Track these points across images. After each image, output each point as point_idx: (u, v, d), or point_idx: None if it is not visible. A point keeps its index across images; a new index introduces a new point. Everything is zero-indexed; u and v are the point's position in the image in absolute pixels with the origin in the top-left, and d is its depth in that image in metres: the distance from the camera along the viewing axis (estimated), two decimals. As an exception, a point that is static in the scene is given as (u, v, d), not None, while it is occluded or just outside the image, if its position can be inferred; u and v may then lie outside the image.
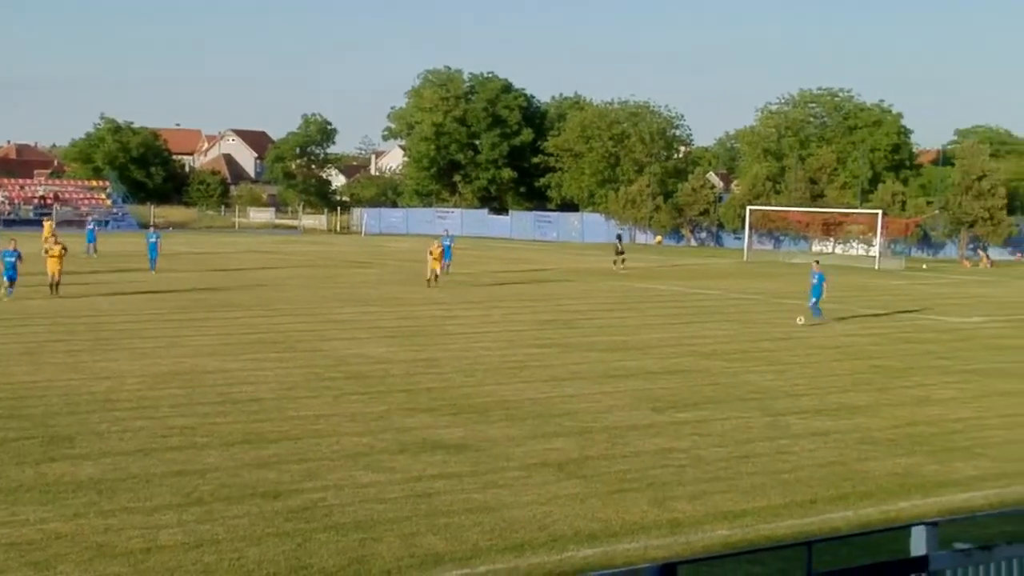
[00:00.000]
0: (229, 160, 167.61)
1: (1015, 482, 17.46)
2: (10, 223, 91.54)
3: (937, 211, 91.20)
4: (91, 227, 68.12)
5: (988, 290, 58.19)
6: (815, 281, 38.09)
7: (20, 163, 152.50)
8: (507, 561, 13.08)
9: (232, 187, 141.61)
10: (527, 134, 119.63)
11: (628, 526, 14.51)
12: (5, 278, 39.15)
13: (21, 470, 16.39)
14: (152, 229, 59.42)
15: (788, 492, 16.35)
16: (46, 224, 68.97)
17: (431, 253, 49.70)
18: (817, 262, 40.54)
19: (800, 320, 36.32)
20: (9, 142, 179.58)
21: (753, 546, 13.57)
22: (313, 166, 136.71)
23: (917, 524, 9.12)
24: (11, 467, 16.52)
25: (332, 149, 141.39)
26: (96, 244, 64.52)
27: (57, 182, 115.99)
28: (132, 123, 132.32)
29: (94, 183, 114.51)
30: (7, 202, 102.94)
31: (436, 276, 49.08)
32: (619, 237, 71.01)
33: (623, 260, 63.80)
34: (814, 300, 37.91)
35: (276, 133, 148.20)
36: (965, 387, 26.24)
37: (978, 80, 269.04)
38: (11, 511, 14.40)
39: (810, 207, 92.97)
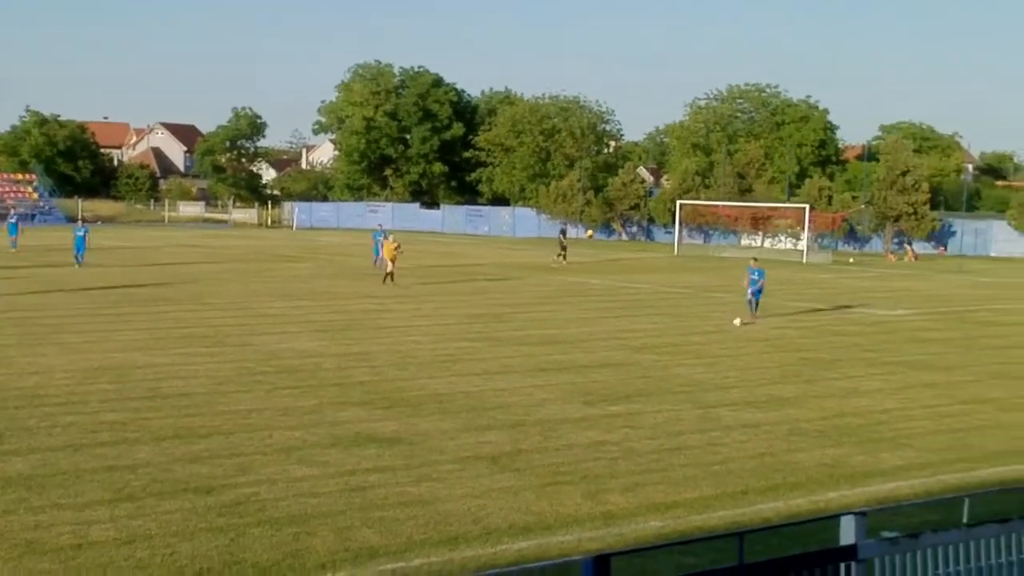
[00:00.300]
0: (158, 153, 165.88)
1: (939, 471, 17.75)
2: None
3: (863, 206, 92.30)
4: (13, 220, 66.77)
5: (912, 283, 58.96)
6: (756, 278, 37.49)
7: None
8: (441, 554, 13.11)
9: (161, 181, 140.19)
10: (458, 128, 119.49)
11: (562, 519, 14.58)
12: None
13: (-52, 467, 16.21)
14: (80, 223, 58.75)
15: (719, 483, 16.52)
16: None
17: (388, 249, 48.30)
18: (755, 260, 39.93)
19: (737, 321, 35.92)
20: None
21: (685, 537, 13.69)
22: (243, 160, 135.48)
23: (846, 514, 9.25)
24: (-62, 464, 16.33)
25: (262, 143, 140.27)
26: (18, 238, 63.22)
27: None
28: (59, 116, 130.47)
29: (20, 177, 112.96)
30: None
31: (391, 274, 47.32)
32: (563, 232, 71.42)
33: (564, 256, 64.00)
34: (758, 297, 37.60)
35: (205, 126, 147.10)
36: (890, 379, 26.61)
37: (902, 77, 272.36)
38: (-67, 511, 14.24)
39: (739, 201, 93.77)
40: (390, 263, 47.46)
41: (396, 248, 47.90)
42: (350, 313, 36.79)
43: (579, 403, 22.29)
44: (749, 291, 37.60)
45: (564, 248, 64.67)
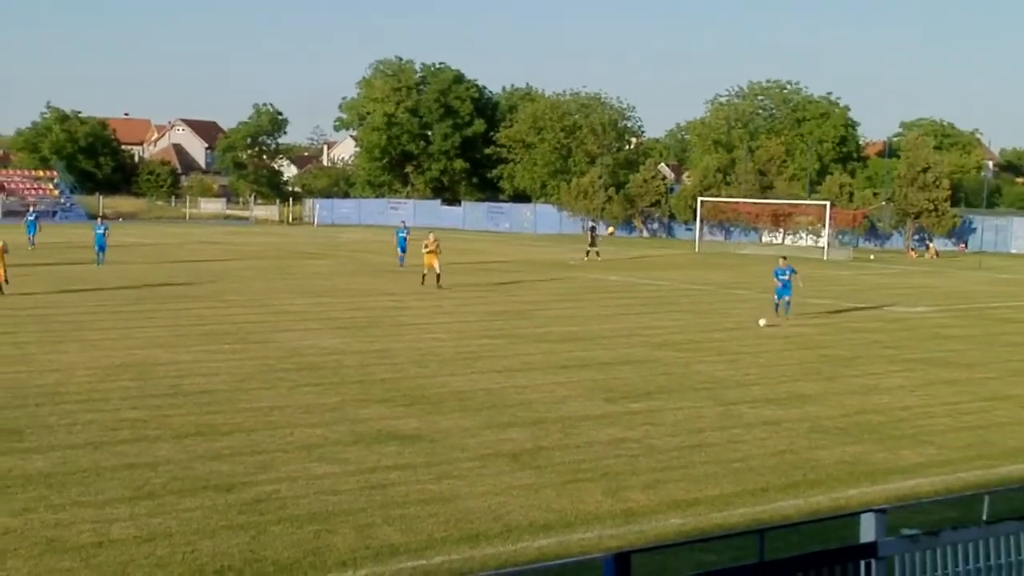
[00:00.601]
0: (179, 150, 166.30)
1: (960, 469, 17.71)
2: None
3: (883, 203, 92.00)
4: (32, 218, 66.66)
5: (933, 280, 58.78)
6: (785, 277, 36.13)
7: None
8: (462, 552, 13.13)
9: (182, 177, 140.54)
10: (479, 125, 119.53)
11: (582, 516, 14.59)
12: None
13: (-31, 464, 16.28)
14: (100, 220, 58.77)
15: (740, 481, 16.50)
16: None
17: (425, 247, 44.68)
18: (784, 258, 38.14)
19: (762, 321, 34.74)
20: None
21: (706, 534, 13.70)
22: (264, 156, 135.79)
23: (866, 511, 9.25)
24: (-41, 461, 16.41)
25: (283, 140, 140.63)
26: (36, 236, 63.07)
27: (2, 172, 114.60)
28: (80, 112, 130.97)
29: (41, 174, 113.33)
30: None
31: (438, 276, 43.70)
32: (593, 228, 71.73)
33: (597, 252, 64.24)
34: (787, 297, 36.28)
35: (227, 123, 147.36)
36: (911, 376, 26.54)
37: (922, 74, 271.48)
38: (-41, 506, 14.31)
39: (759, 198, 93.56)
40: (436, 264, 43.83)
41: (435, 245, 44.35)
42: (371, 310, 36.84)
43: (600, 400, 22.29)
44: (777, 294, 36.44)
45: (594, 244, 64.92)
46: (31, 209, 77.56)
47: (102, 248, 52.22)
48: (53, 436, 18.08)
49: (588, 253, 64.31)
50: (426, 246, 44.52)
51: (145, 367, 24.67)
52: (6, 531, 13.37)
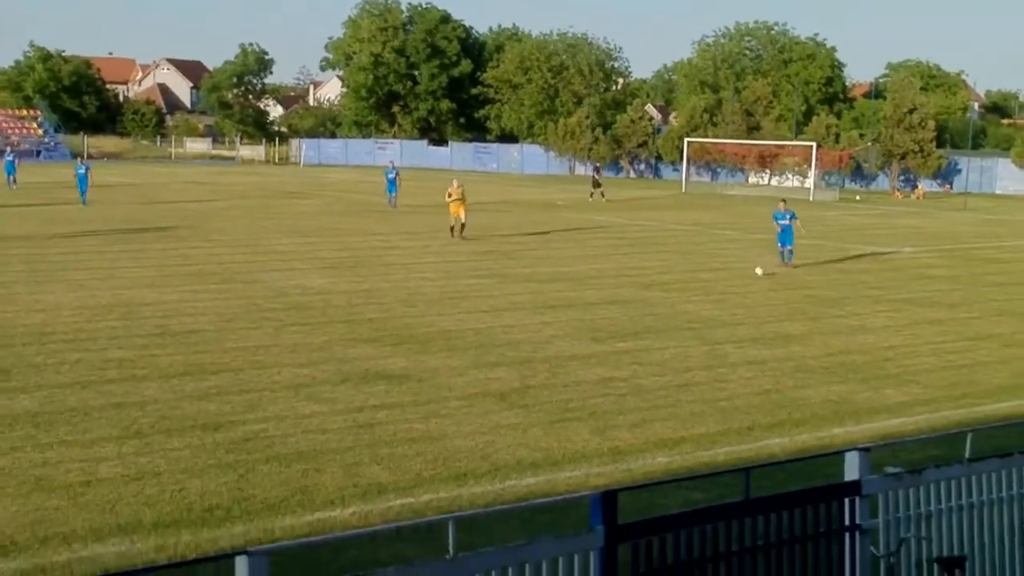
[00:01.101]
0: (164, 90, 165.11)
1: (943, 407, 17.84)
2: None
3: (869, 143, 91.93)
4: (11, 158, 65.85)
5: (918, 221, 58.86)
6: (785, 222, 34.77)
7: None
8: (449, 491, 13.20)
9: (167, 117, 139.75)
10: (465, 65, 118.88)
11: (570, 455, 14.67)
12: None
13: (-45, 402, 16.30)
14: (80, 160, 58.32)
15: (726, 420, 16.60)
16: None
17: (449, 196, 41.48)
18: (784, 201, 36.57)
19: (759, 270, 33.00)
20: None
21: (692, 473, 13.78)
22: (250, 96, 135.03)
23: (850, 450, 9.30)
24: (-56, 400, 16.43)
25: (269, 79, 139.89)
26: (16, 175, 62.54)
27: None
28: (63, 51, 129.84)
29: (24, 113, 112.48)
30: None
31: (462, 226, 40.75)
32: (597, 170, 72.05)
33: (602, 193, 64.52)
34: (789, 245, 34.91)
35: (212, 63, 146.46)
36: (896, 316, 26.65)
37: (908, 14, 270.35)
38: (-54, 444, 14.34)
39: (746, 139, 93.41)
40: (462, 213, 40.73)
41: (460, 193, 41.00)
42: (358, 250, 36.82)
43: (587, 340, 22.35)
44: (780, 241, 35.11)
45: (599, 185, 65.26)
46: (9, 149, 76.95)
47: (83, 189, 51.82)
48: (40, 376, 18.09)
49: (592, 194, 64.52)
50: (450, 195, 41.26)
51: (131, 307, 24.66)
52: (-4, 470, 13.41)
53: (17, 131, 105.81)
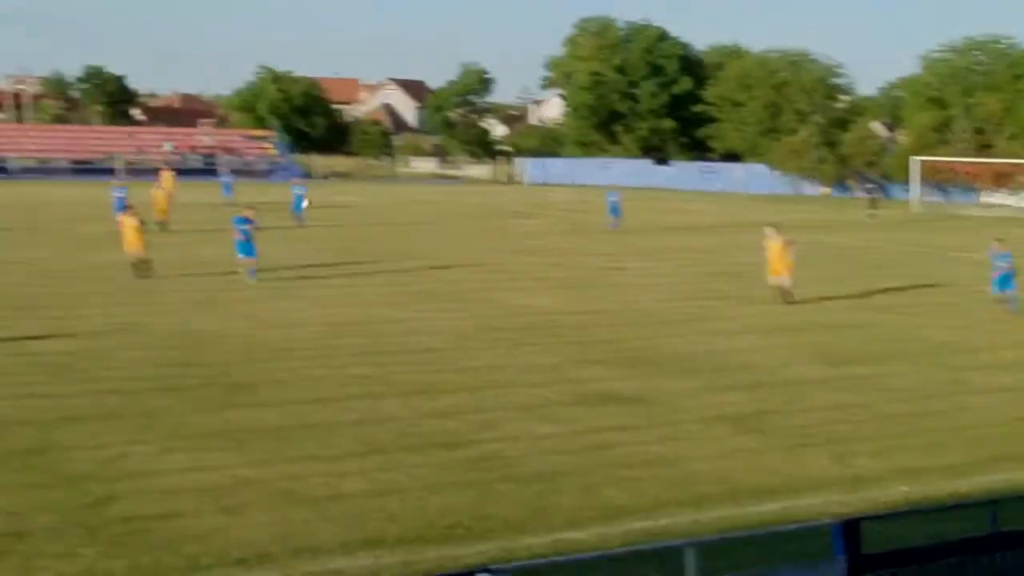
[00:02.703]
0: (389, 109, 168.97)
1: None
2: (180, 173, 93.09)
3: None
4: (228, 180, 65.86)
5: None
6: (1001, 264, 29.85)
7: (185, 112, 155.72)
8: (688, 515, 13.11)
9: (393, 137, 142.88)
10: (685, 83, 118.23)
11: (808, 481, 14.42)
12: (240, 254, 32.75)
13: (206, 417, 16.92)
14: (298, 182, 59.21)
15: (971, 449, 16.06)
16: (166, 174, 58.71)
17: (770, 247, 31.16)
18: (998, 241, 30.94)
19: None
20: (175, 92, 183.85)
21: (937, 503, 13.37)
22: (473, 115, 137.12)
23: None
24: (196, 414, 17.06)
25: (490, 99, 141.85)
26: (232, 197, 61.16)
27: (223, 132, 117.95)
28: (292, 72, 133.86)
29: (258, 133, 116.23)
30: (175, 151, 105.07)
31: (787, 290, 30.05)
32: (870, 189, 71.63)
33: (874, 213, 64.97)
34: (1010, 291, 29.62)
35: (433, 82, 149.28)
36: None
37: None
38: (199, 457, 14.88)
39: (977, 157, 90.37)
40: (786, 275, 30.46)
41: (790, 246, 31.02)
42: (586, 270, 36.89)
43: (822, 364, 21.93)
44: (995, 285, 29.97)
45: (875, 205, 65.75)
46: (227, 169, 78.43)
47: (298, 209, 52.56)
48: (284, 391, 18.67)
49: (871, 214, 65.15)
50: (773, 246, 31.10)
51: (368, 325, 25.23)
52: (246, 481, 13.88)
53: (252, 152, 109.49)
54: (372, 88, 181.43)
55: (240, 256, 32.56)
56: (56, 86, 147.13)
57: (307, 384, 19.19)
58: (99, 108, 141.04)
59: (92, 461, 14.60)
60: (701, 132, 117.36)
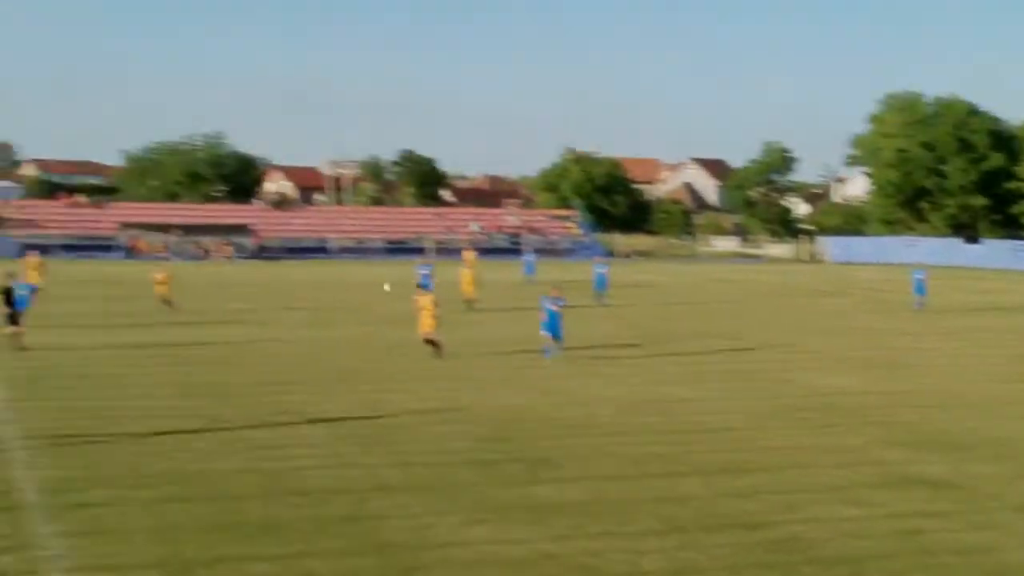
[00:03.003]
0: (690, 188, 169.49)
1: None
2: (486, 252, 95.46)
3: None
4: (531, 259, 68.18)
5: None
6: None
7: (492, 193, 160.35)
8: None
9: (694, 215, 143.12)
10: (997, 159, 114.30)
11: None
12: (547, 332, 32.50)
13: (509, 491, 17.14)
14: (600, 260, 59.84)
15: None
16: (468, 254, 61.55)
17: None
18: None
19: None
20: (483, 173, 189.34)
21: None
22: (774, 194, 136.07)
23: None
24: (500, 488, 17.31)
25: (792, 177, 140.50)
26: (535, 276, 63.67)
27: (528, 212, 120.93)
28: (595, 153, 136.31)
29: (562, 213, 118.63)
30: (482, 231, 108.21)
31: None
32: None
33: None
34: None
35: (734, 161, 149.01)
36: None
37: None
38: (502, 530, 15.09)
39: None
40: None
41: None
42: (890, 350, 35.89)
43: None
44: None
45: None
46: (529, 248, 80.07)
47: (601, 287, 52.98)
48: (586, 467, 18.79)
49: None
50: None
51: (666, 403, 25.17)
52: (547, 556, 13.99)
53: (556, 231, 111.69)
54: (673, 167, 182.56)
55: (547, 335, 32.62)
56: (373, 169, 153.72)
57: (607, 461, 19.27)
58: (411, 190, 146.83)
59: (401, 530, 15.01)
60: (1015, 209, 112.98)
